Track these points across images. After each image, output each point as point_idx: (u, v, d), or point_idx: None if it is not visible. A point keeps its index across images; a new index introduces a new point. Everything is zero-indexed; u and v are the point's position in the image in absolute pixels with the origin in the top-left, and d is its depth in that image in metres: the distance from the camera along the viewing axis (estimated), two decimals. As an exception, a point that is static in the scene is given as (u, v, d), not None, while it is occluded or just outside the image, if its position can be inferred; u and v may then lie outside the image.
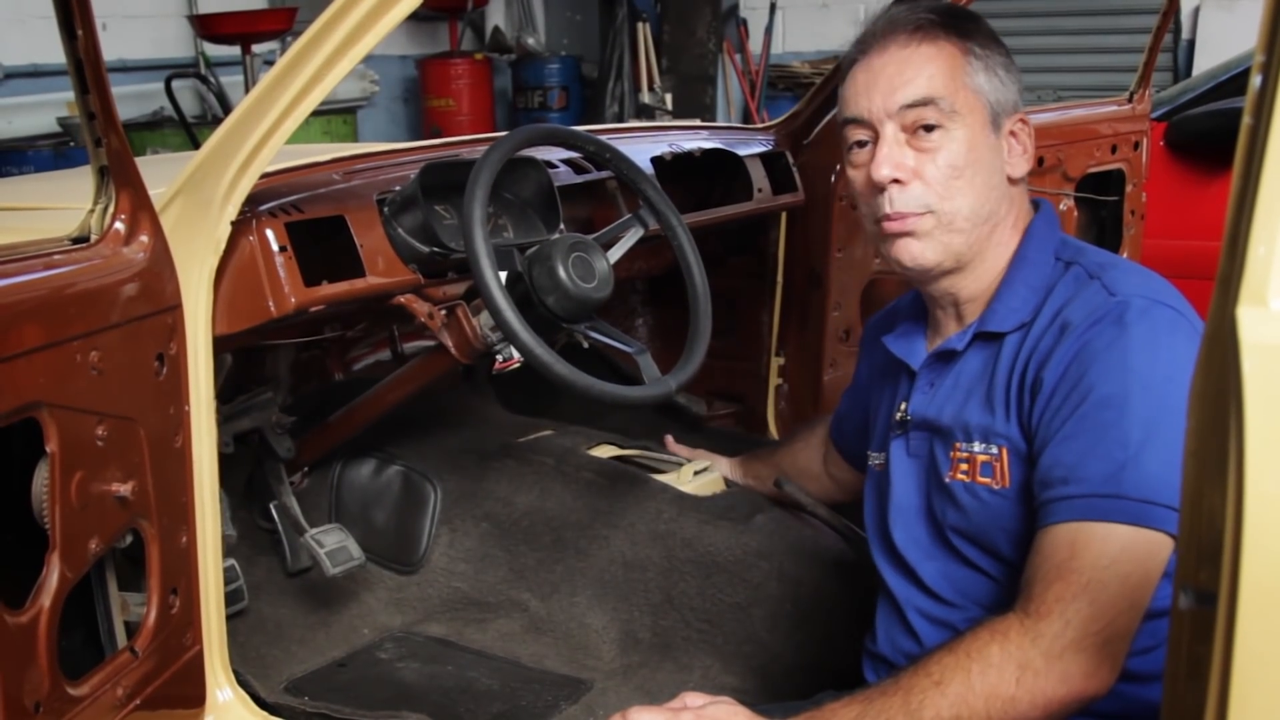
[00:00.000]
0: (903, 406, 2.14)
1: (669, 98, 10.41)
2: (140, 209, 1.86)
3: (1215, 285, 1.19)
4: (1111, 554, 1.77)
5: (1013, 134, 2.04)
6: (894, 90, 1.99)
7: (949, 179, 1.98)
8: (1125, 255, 4.08)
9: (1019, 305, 2.00)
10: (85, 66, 1.70)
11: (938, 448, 2.06)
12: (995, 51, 2.03)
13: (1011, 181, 2.05)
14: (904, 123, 1.99)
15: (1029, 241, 2.05)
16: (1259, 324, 1.13)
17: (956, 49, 2.00)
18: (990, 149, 2.01)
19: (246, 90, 8.13)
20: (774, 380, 3.78)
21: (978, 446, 1.99)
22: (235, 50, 8.36)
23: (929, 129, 1.98)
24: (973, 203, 1.99)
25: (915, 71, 1.99)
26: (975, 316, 2.06)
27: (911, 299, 2.25)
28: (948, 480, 2.02)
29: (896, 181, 1.99)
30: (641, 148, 3.05)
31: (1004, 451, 1.96)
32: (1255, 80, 1.17)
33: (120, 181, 1.82)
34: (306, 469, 2.88)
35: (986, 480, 1.97)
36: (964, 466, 2.00)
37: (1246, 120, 1.17)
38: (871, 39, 2.05)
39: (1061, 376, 1.88)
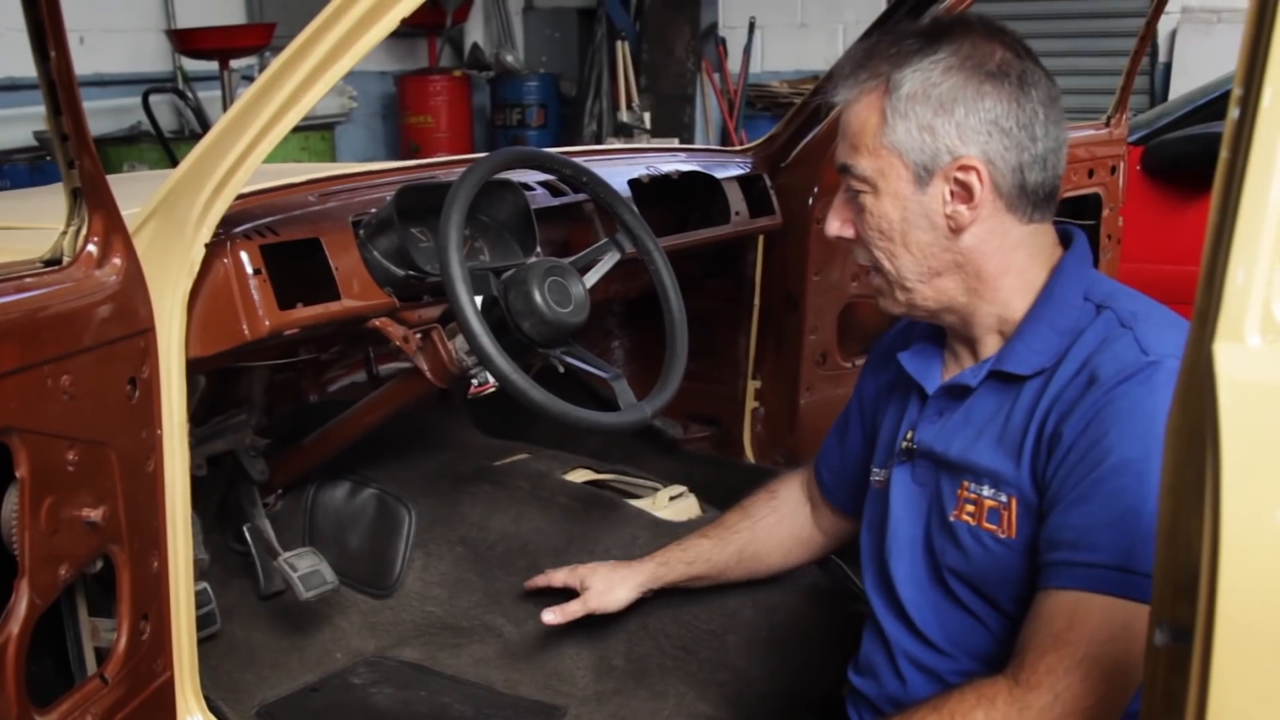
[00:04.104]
0: (909, 434, 2.06)
1: (647, 116, 10.41)
2: (113, 231, 1.84)
3: (1193, 319, 1.19)
4: (1112, 629, 1.71)
5: (957, 180, 1.88)
6: (836, 148, 1.99)
7: (879, 242, 1.94)
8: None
9: (1041, 348, 1.90)
10: (58, 88, 1.69)
11: (944, 482, 1.98)
12: (930, 94, 1.88)
13: (955, 232, 1.91)
14: (844, 180, 1.97)
15: (1058, 279, 1.94)
16: (1235, 359, 1.13)
17: (880, 103, 1.90)
18: (919, 206, 1.90)
19: (224, 105, 8.13)
20: (750, 403, 3.78)
21: (987, 491, 1.91)
22: (213, 65, 8.34)
23: (853, 193, 1.95)
24: (912, 263, 1.93)
25: (842, 133, 1.96)
26: (991, 352, 1.97)
27: None
28: (952, 518, 1.95)
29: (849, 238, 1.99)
30: (619, 170, 3.05)
31: (1014, 502, 1.88)
32: (1233, 113, 1.17)
33: (93, 204, 1.80)
34: (280, 491, 2.86)
35: (992, 527, 1.90)
36: (970, 508, 1.93)
37: (1224, 154, 1.16)
38: (835, 80, 2.01)
39: (1082, 433, 1.79)
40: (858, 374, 2.37)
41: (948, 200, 1.89)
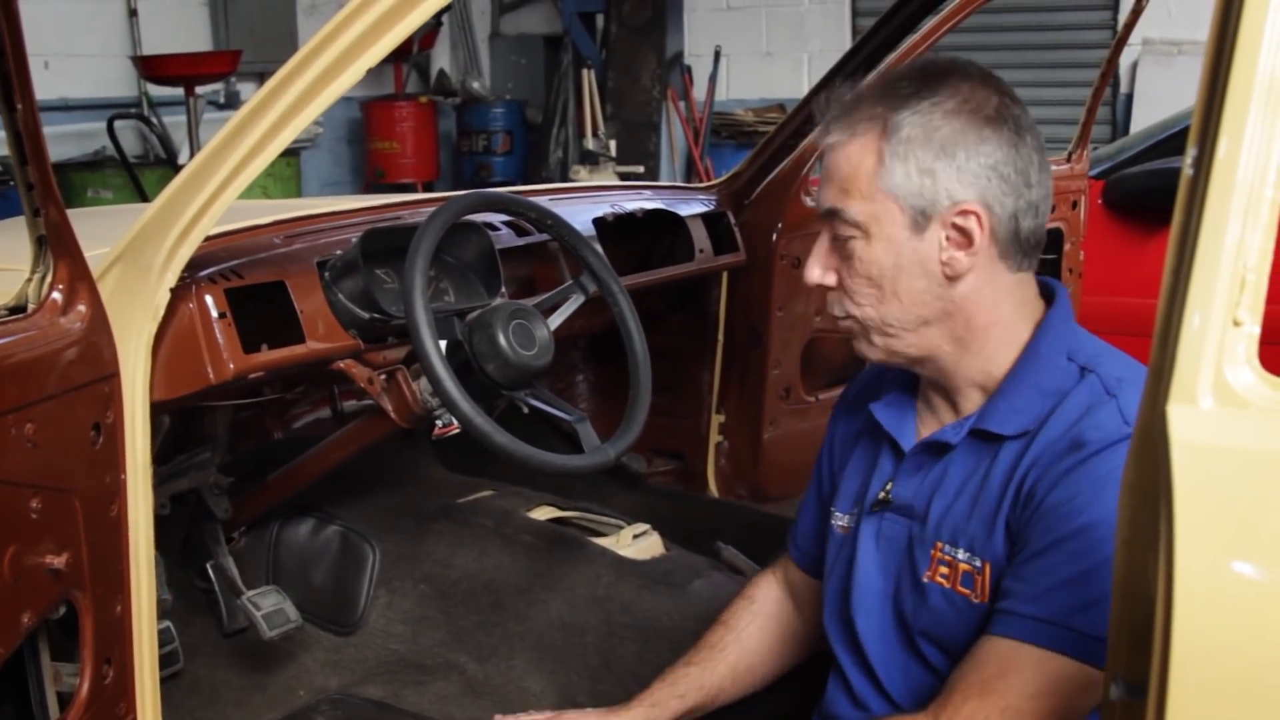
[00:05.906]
0: (888, 486, 2.00)
1: (613, 144, 10.45)
2: (78, 278, 1.84)
3: (1148, 375, 1.20)
4: (1039, 683, 1.71)
5: (955, 226, 1.83)
6: (820, 192, 1.91)
7: (864, 289, 1.87)
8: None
9: (1025, 407, 1.85)
10: (25, 139, 1.69)
11: (916, 540, 1.94)
12: (930, 138, 1.82)
13: (950, 280, 1.85)
14: (830, 225, 1.90)
15: (1043, 337, 1.89)
16: (1188, 422, 1.15)
17: (876, 145, 1.83)
18: (914, 253, 1.84)
19: (190, 131, 8.10)
20: (714, 438, 3.79)
21: (962, 554, 1.87)
22: (179, 91, 8.32)
23: (841, 239, 1.87)
24: (900, 311, 1.86)
25: (830, 176, 1.88)
26: (973, 408, 1.92)
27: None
28: (925, 579, 1.90)
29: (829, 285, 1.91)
30: (584, 208, 3.07)
31: (988, 567, 1.84)
32: (1187, 172, 1.18)
33: (58, 251, 1.80)
34: (244, 529, 2.86)
35: (966, 591, 1.86)
36: (944, 570, 1.88)
37: (1178, 217, 1.18)
38: (826, 121, 1.91)
39: (1053, 490, 1.77)
40: (821, 408, 2.36)
41: (944, 246, 1.83)
